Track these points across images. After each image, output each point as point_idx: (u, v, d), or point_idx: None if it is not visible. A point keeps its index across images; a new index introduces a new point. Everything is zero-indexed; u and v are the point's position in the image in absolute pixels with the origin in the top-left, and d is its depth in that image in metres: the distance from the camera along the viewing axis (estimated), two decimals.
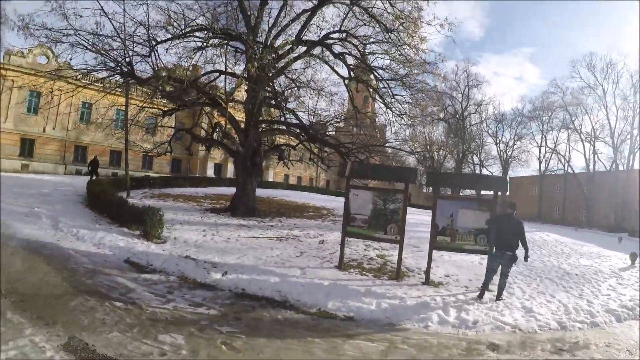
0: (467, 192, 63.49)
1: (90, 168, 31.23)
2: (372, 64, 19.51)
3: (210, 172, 48.95)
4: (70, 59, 16.17)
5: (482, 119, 69.75)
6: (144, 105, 20.69)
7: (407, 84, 19.01)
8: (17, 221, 13.86)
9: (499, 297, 9.34)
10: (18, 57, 34.51)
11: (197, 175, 43.67)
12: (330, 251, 12.86)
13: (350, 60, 20.26)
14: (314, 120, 21.14)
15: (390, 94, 19.72)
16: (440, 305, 8.58)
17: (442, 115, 60.94)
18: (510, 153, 69.98)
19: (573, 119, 62.93)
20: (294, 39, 18.75)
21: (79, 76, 17.24)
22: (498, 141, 70.71)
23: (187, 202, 22.60)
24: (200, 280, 9.58)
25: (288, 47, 18.64)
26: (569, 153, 66.60)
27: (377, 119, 24.84)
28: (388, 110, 19.83)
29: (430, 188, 72.03)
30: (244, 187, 19.55)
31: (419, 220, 20.63)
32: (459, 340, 7.20)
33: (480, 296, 9.35)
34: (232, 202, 20.42)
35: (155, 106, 21.66)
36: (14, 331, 5.68)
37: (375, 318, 7.94)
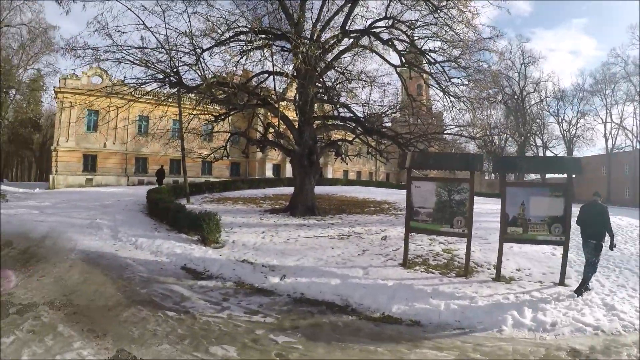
0: (532, 177, 60.41)
1: (157, 177, 32.90)
2: (422, 48, 18.52)
3: (269, 173, 48.81)
4: (125, 78, 16.22)
5: (542, 97, 65.46)
6: (196, 112, 20.84)
7: (462, 64, 17.88)
8: (79, 233, 14.09)
9: (580, 290, 8.44)
10: (73, 80, 36.06)
11: (256, 177, 43.83)
12: (393, 248, 12.07)
13: (400, 47, 19.36)
14: (368, 113, 20.28)
15: (446, 77, 18.63)
16: (514, 304, 7.70)
17: (500, 97, 58.04)
18: (574, 132, 64.89)
19: (638, 89, 57.30)
20: (338, 31, 18.09)
21: (131, 91, 17.25)
22: (560, 120, 65.82)
23: (246, 205, 22.43)
24: (257, 285, 9.23)
25: (334, 40, 18.11)
26: (637, 127, 61.24)
27: (433, 106, 23.77)
28: (445, 96, 18.77)
29: (494, 175, 70.06)
30: (302, 185, 19.08)
31: (484, 209, 19.42)
32: (536, 347, 6.39)
33: (578, 292, 8.44)
34: (290, 201, 20.12)
35: (207, 113, 21.69)
36: (63, 344, 5.65)
37: (443, 322, 7.20)
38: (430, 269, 10.16)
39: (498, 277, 9.40)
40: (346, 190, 33.40)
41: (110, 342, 5.76)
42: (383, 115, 20.35)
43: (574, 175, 9.55)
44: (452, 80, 18.60)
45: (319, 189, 30.82)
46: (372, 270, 9.95)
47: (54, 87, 37.74)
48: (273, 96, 17.90)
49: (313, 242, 12.92)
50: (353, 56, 20.86)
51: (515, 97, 63.03)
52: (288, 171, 45.73)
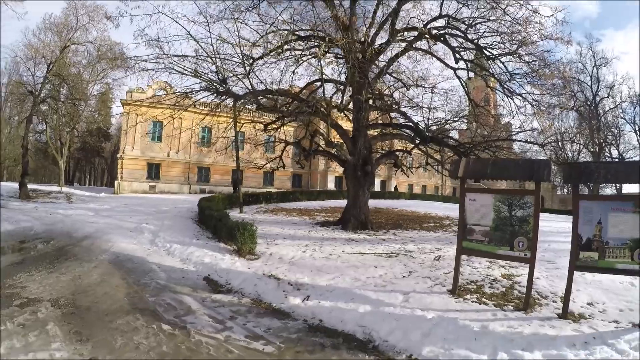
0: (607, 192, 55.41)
1: (233, 184, 34.92)
2: (479, 43, 16.75)
3: (330, 185, 48.50)
4: (190, 92, 16.15)
5: (617, 103, 58.70)
6: (244, 121, 21.33)
7: (523, 58, 15.97)
8: (120, 236, 14.49)
9: None
10: (139, 93, 38.76)
11: (317, 189, 43.43)
12: (445, 270, 10.37)
13: (455, 44, 17.76)
14: (429, 122, 18.70)
15: (507, 74, 16.77)
16: (581, 354, 5.86)
17: (571, 104, 54.06)
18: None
19: None
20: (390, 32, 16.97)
21: (192, 103, 17.21)
22: (638, 128, 57.91)
23: (299, 216, 21.85)
24: (275, 305, 8.20)
25: (384, 42, 17.10)
26: None
27: (499, 114, 21.78)
28: (508, 98, 16.95)
29: (567, 190, 65.26)
30: (355, 197, 17.89)
31: (554, 228, 17.38)
32: None
33: None
34: (342, 214, 18.89)
35: (258, 122, 21.54)
36: (42, 343, 5.69)
37: None
38: (484, 299, 8.32)
39: (565, 314, 7.42)
40: (408, 205, 32.04)
41: (88, 349, 5.60)
42: (445, 123, 18.62)
43: None
44: (514, 77, 16.71)
45: (379, 202, 30.32)
46: (414, 296, 8.30)
47: (121, 99, 40.73)
48: (323, 104, 16.88)
49: (356, 260, 11.54)
50: (413, 63, 19.68)
51: (588, 103, 57.43)
52: None
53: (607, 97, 58.31)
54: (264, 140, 24.34)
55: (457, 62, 17.50)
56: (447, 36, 17.00)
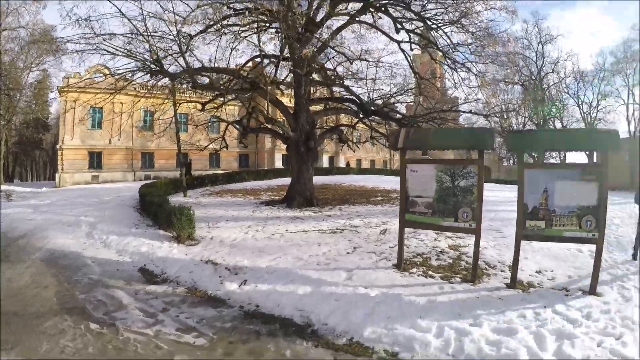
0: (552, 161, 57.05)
1: (185, 169, 32.15)
2: (421, 13, 16.35)
3: (278, 164, 47.84)
4: (124, 73, 15.47)
5: (561, 78, 60.05)
6: (183, 101, 20.96)
7: (465, 26, 15.74)
8: (57, 231, 13.79)
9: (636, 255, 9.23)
10: (76, 79, 35.33)
11: (264, 168, 42.58)
12: (391, 244, 10.04)
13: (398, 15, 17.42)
14: (373, 95, 18.43)
15: (450, 44, 16.62)
16: (532, 326, 5.59)
17: (516, 78, 55.06)
18: (595, 115, 59.57)
19: None
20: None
21: (135, 87, 16.37)
22: (581, 102, 60.43)
23: (245, 197, 21.29)
24: (210, 292, 7.77)
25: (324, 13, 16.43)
26: None
27: (445, 87, 21.71)
28: (452, 70, 16.80)
29: (513, 159, 66.59)
30: (299, 174, 17.55)
31: (501, 197, 17.57)
32: None
33: (635, 257, 9.26)
34: (287, 192, 18.50)
35: (195, 101, 20.76)
36: None
37: (432, 357, 5.13)
38: (431, 272, 8.08)
39: (513, 284, 7.29)
40: (356, 180, 31.86)
41: (12, 356, 5.26)
42: (390, 97, 18.31)
43: (608, 153, 7.26)
44: (457, 48, 16.63)
45: (327, 179, 30.18)
46: (357, 273, 7.97)
47: (57, 86, 38.19)
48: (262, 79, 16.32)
49: (300, 238, 11.19)
50: (357, 38, 19.26)
51: (533, 78, 58.91)
52: None
53: (552, 72, 59.60)
54: (205, 120, 23.43)
55: (398, 32, 17.15)
56: (389, 7, 16.61)
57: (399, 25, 16.74)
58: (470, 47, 16.28)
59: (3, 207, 19.90)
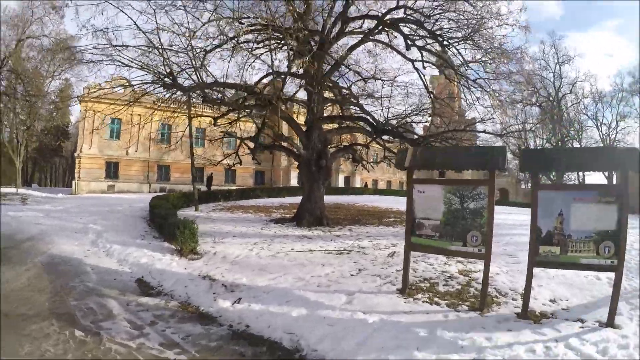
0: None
1: (207, 182, 35.51)
2: (433, 30, 16.13)
3: (294, 182, 47.60)
4: (139, 85, 15.49)
5: (579, 99, 59.71)
6: (195, 116, 20.89)
7: (478, 42, 15.48)
8: (64, 237, 13.81)
9: None
10: (97, 89, 36.06)
11: (279, 186, 42.68)
12: (398, 267, 9.52)
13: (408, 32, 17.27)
14: (388, 115, 18.07)
15: (464, 63, 16.32)
16: None
17: (534, 99, 53.95)
18: (614, 136, 58.65)
19: None
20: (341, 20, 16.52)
21: (154, 100, 17.33)
22: (599, 124, 59.98)
23: (256, 213, 21.16)
24: (203, 308, 7.46)
25: (336, 30, 16.64)
26: None
27: (463, 108, 21.27)
28: (469, 91, 16.49)
29: (527, 179, 64.94)
30: (310, 193, 17.27)
31: (517, 220, 16.92)
32: None
33: None
34: (297, 210, 18.27)
35: (207, 116, 21.07)
36: None
37: None
38: (437, 298, 7.56)
39: (524, 314, 6.73)
40: (371, 200, 31.68)
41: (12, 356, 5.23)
42: (405, 116, 17.92)
43: (628, 171, 6.70)
44: (469, 65, 16.32)
45: (341, 198, 30.04)
46: (359, 297, 7.53)
47: (77, 96, 38.91)
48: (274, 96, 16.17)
49: (304, 257, 10.84)
50: (372, 57, 19.08)
51: (551, 98, 58.08)
52: None
53: (570, 93, 58.96)
54: (220, 136, 23.31)
55: (408, 48, 16.98)
56: (400, 24, 16.41)
57: (409, 42, 16.54)
58: (483, 64, 15.96)
59: (17, 210, 20.31)
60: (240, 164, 21.23)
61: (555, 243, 6.65)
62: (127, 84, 15.42)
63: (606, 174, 42.94)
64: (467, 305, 7.19)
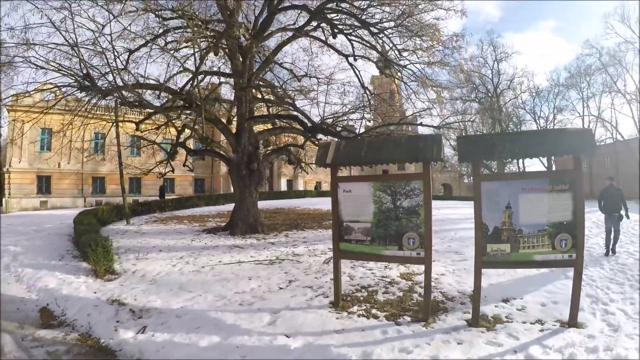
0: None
1: (160, 193, 33.50)
2: (363, 18, 15.53)
3: (231, 189, 46.45)
4: (54, 88, 15.04)
5: (517, 94, 62.37)
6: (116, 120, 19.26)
7: (409, 27, 14.81)
8: None
9: (614, 250, 10.93)
10: (26, 97, 33.82)
11: (218, 193, 41.35)
12: (333, 276, 8.76)
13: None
14: (324, 114, 17.26)
15: (393, 47, 15.79)
16: None
17: (473, 95, 56.67)
18: (551, 128, 61.55)
19: (615, 79, 55.68)
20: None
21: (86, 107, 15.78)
22: (537, 117, 63.40)
23: (190, 224, 19.95)
24: (103, 341, 6.39)
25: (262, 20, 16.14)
26: (616, 118, 62.53)
27: (403, 107, 20.69)
28: (399, 79, 15.97)
29: (454, 164, 66.42)
30: (242, 199, 16.35)
31: (461, 215, 16.67)
32: None
33: (607, 254, 10.82)
34: (230, 219, 17.27)
35: (132, 120, 19.38)
36: None
37: None
38: (375, 310, 6.72)
39: (475, 321, 5.99)
40: (313, 203, 31.21)
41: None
42: (341, 115, 17.12)
43: (580, 156, 6.05)
44: (402, 53, 15.80)
45: (281, 202, 29.69)
46: (284, 315, 6.59)
47: (4, 104, 35.62)
48: (202, 96, 15.21)
49: (230, 270, 9.92)
50: (311, 55, 18.45)
51: (490, 94, 60.23)
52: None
53: (508, 88, 61.31)
54: (130, 142, 22.04)
55: (334, 36, 16.30)
56: (327, 11, 15.75)
57: (336, 30, 15.82)
58: (415, 52, 15.46)
59: None
60: (173, 172, 20.01)
61: (504, 240, 5.95)
62: (54, 89, 14.19)
63: (544, 161, 43.72)
64: (409, 316, 6.40)
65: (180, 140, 17.65)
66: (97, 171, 39.98)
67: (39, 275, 10.44)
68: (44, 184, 37.87)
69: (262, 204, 27.28)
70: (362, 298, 7.33)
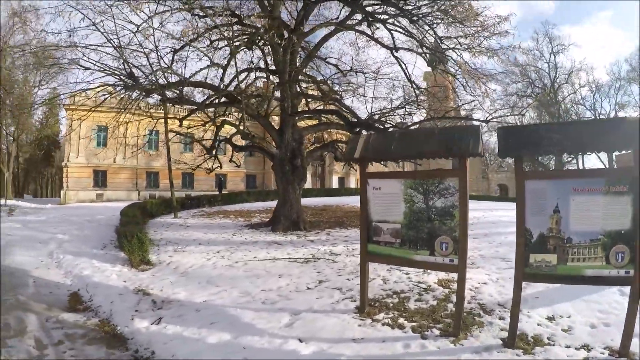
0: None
1: (218, 187, 37.60)
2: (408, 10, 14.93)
3: None
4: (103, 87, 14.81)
5: (576, 89, 57.62)
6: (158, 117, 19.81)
7: (453, 15, 14.11)
8: (24, 247, 13.07)
9: None
10: (82, 97, 35.42)
11: (267, 189, 41.42)
12: (371, 276, 8.15)
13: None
14: (372, 110, 16.74)
15: (436, 36, 15.11)
16: None
17: (529, 90, 53.88)
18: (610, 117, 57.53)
19: None
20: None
21: (139, 105, 16.45)
22: (598, 114, 57.29)
23: (236, 218, 20.05)
24: (119, 328, 6.40)
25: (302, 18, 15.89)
26: None
27: (454, 98, 19.86)
28: (442, 63, 15.52)
29: (510, 162, 62.78)
30: (285, 195, 16.20)
31: (513, 218, 15.64)
32: None
33: None
34: (273, 215, 17.31)
35: (172, 117, 20.18)
36: None
37: None
38: (402, 319, 6.14)
39: (512, 342, 5.23)
40: None
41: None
42: (389, 111, 16.49)
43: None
44: (443, 41, 15.13)
45: (331, 200, 29.20)
46: (305, 317, 6.20)
47: (63, 104, 37.87)
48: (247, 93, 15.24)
49: (263, 267, 9.70)
50: (357, 50, 18.26)
51: (547, 90, 56.40)
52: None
53: (566, 83, 57.48)
54: (180, 139, 22.36)
55: (369, 25, 15.99)
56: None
57: (370, 19, 15.48)
58: (460, 41, 14.87)
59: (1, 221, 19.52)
60: (221, 168, 19.99)
61: (550, 250, 5.09)
62: (110, 89, 14.47)
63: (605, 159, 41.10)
64: (439, 329, 5.78)
65: (227, 137, 17.64)
66: (151, 166, 41.58)
67: (77, 262, 10.71)
68: (100, 178, 39.75)
69: (310, 201, 27.32)
70: (391, 305, 6.82)
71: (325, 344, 5.26)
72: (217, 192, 33.04)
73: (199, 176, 38.65)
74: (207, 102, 15.69)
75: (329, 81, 18.71)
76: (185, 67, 15.18)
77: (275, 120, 19.22)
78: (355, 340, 5.36)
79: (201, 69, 15.47)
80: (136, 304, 7.25)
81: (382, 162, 7.12)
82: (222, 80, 15.02)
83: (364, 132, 14.72)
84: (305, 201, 26.16)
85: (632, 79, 54.73)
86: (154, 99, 16.70)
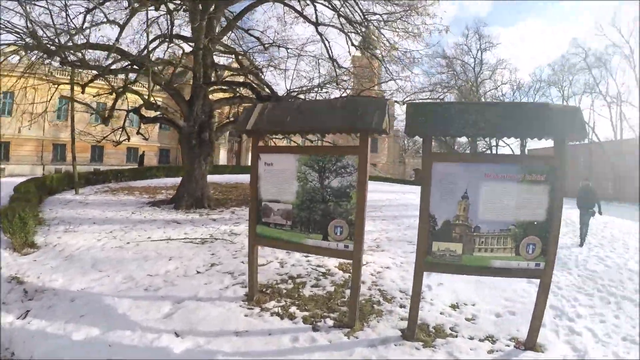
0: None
1: (139, 161, 35.73)
2: None
3: None
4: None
5: (497, 85, 61.03)
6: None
7: None
8: None
9: (582, 242, 11.42)
10: None
11: (177, 165, 39.81)
12: (264, 260, 7.85)
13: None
14: (291, 87, 16.36)
15: (360, 13, 14.87)
16: None
17: (452, 82, 55.43)
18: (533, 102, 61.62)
19: (597, 81, 55.85)
20: None
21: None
22: None
23: (139, 195, 19.00)
24: None
25: None
26: (594, 120, 60.77)
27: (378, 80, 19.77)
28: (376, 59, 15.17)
29: (416, 143, 65.68)
30: (191, 171, 15.38)
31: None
32: None
33: (581, 244, 11.35)
34: (176, 192, 16.46)
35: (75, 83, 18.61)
36: None
37: None
38: (295, 308, 5.76)
39: (411, 334, 4.97)
40: None
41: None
42: (309, 89, 16.14)
43: (565, 139, 4.80)
44: (366, 16, 14.93)
45: (243, 177, 27.84)
46: (187, 306, 5.66)
47: None
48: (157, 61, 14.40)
49: (156, 248, 9.03)
50: (284, 25, 17.59)
51: (470, 83, 59.58)
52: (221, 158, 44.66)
53: (489, 79, 60.65)
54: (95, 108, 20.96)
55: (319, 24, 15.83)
56: None
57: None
58: (384, 18, 14.59)
59: None
60: (128, 140, 18.71)
61: (456, 238, 4.82)
62: (7, 49, 13.17)
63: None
64: (333, 319, 5.43)
65: (136, 107, 16.47)
66: (58, 138, 38.25)
67: None
68: (2, 150, 36.00)
69: (223, 178, 26.65)
70: (284, 291, 6.42)
71: (203, 338, 4.76)
72: (138, 166, 32.08)
73: (109, 149, 36.22)
74: (111, 68, 14.51)
75: (249, 53, 18.12)
76: (98, 31, 14.06)
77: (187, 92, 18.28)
78: (237, 334, 4.90)
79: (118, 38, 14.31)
80: (5, 294, 6.36)
81: (280, 137, 6.61)
82: (117, 40, 13.84)
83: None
84: (217, 178, 25.70)
85: (552, 82, 59.38)
86: (57, 62, 15.42)
